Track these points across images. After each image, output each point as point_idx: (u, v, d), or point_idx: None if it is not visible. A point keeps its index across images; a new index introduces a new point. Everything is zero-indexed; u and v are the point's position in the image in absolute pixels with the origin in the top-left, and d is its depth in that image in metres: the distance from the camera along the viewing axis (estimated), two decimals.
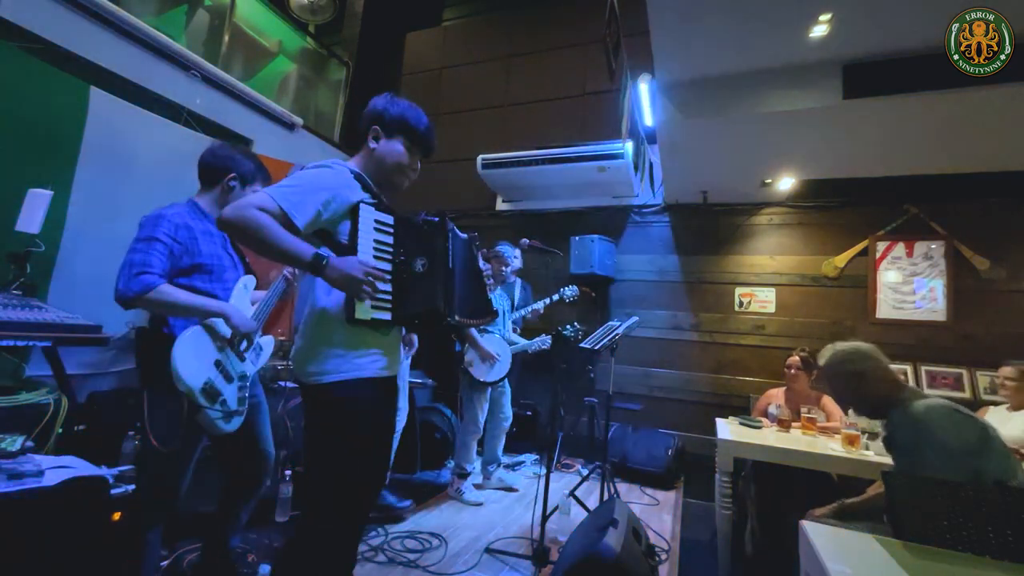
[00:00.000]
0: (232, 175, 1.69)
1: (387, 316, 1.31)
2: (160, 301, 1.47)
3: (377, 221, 1.34)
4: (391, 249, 1.35)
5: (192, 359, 1.49)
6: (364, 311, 1.26)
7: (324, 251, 1.23)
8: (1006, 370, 2.55)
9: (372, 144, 1.42)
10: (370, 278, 1.23)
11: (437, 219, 1.39)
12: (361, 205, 1.30)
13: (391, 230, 1.37)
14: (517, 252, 3.32)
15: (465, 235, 1.54)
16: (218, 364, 1.56)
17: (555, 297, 3.49)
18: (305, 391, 1.35)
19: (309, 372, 1.31)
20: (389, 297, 1.32)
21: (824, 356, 1.81)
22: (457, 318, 1.40)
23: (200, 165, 1.71)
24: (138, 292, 1.45)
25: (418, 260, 1.34)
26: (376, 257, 1.30)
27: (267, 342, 1.85)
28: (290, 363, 1.43)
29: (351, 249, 1.28)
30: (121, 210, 2.81)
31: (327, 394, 1.29)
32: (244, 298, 1.73)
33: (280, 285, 1.85)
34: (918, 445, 1.48)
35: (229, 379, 1.59)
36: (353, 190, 1.32)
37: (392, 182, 1.45)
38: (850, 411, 2.47)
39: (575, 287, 3.52)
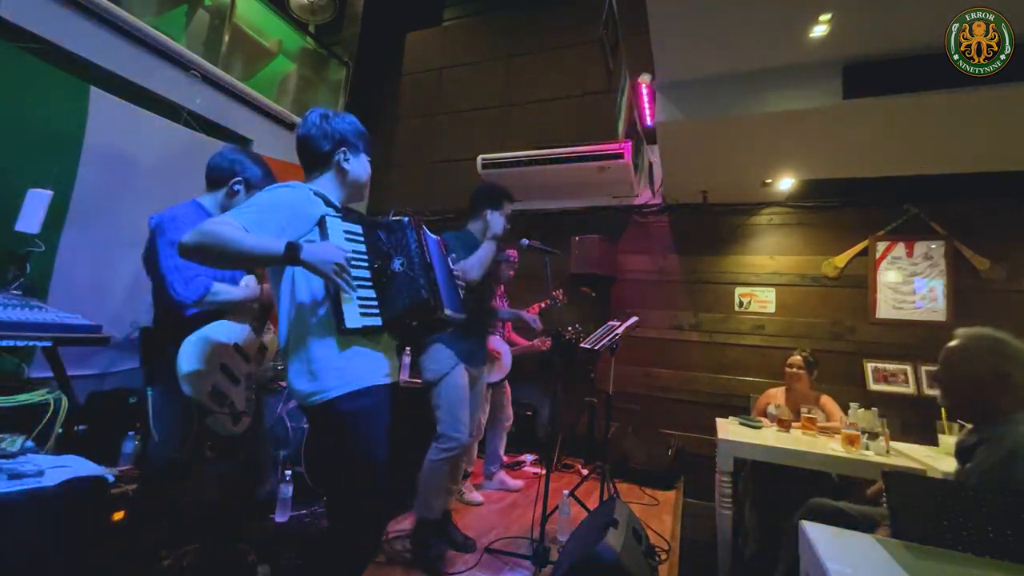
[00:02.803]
0: (237, 179, 1.69)
1: (377, 321, 1.30)
2: (217, 301, 1.54)
3: (346, 231, 1.33)
4: (366, 256, 1.35)
5: (199, 363, 1.50)
6: (355, 318, 1.25)
7: (297, 241, 1.21)
8: None
9: (345, 166, 1.41)
10: (347, 262, 1.22)
11: (407, 218, 1.38)
12: (327, 218, 1.30)
13: (362, 238, 1.36)
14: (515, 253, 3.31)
15: (435, 237, 1.55)
16: (224, 367, 1.56)
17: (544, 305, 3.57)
18: (310, 413, 1.32)
19: (310, 392, 1.27)
20: (375, 302, 1.31)
21: (971, 336, 1.50)
22: (448, 312, 1.40)
23: (208, 166, 1.72)
24: (200, 296, 1.50)
25: (395, 260, 1.33)
26: (352, 266, 1.28)
27: (270, 342, 1.85)
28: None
29: None
30: (121, 210, 2.81)
31: (336, 410, 1.26)
32: None
33: None
34: (1004, 471, 1.28)
35: (236, 381, 1.60)
36: (315, 205, 1.31)
37: (362, 195, 1.47)
38: (850, 411, 2.48)
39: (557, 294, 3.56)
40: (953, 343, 1.53)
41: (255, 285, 1.77)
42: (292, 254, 1.17)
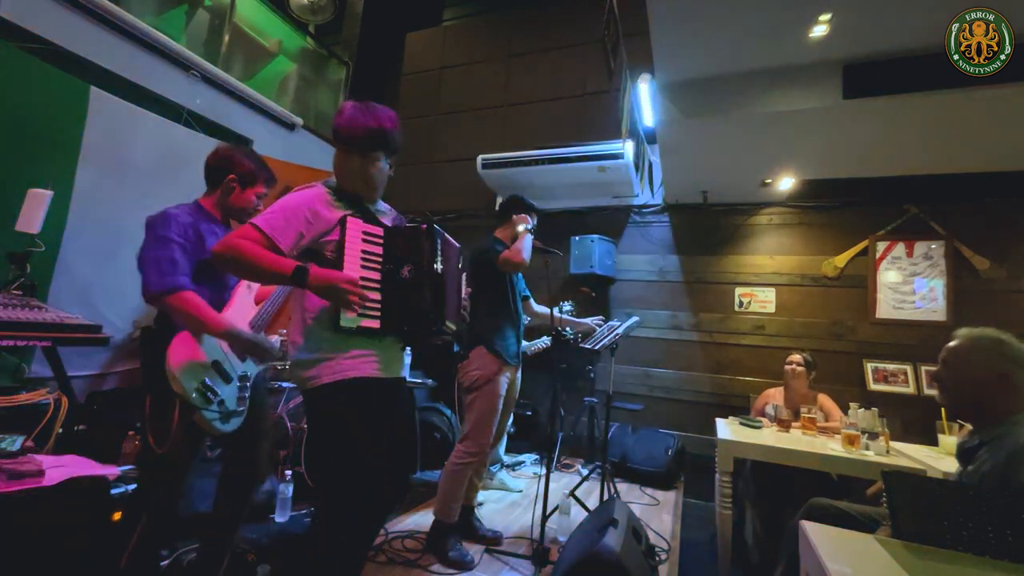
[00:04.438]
0: (231, 176, 1.69)
1: (375, 323, 1.32)
2: (179, 305, 1.46)
3: (365, 232, 1.36)
4: (380, 259, 1.37)
5: (187, 359, 1.49)
6: (350, 319, 1.28)
7: (305, 266, 1.26)
8: None
9: (336, 159, 1.45)
10: (353, 287, 1.24)
11: (424, 225, 1.40)
12: (347, 219, 1.33)
13: (380, 240, 1.38)
14: None
15: (458, 244, 1.56)
16: (216, 365, 1.55)
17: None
18: (305, 397, 1.37)
19: (305, 378, 1.33)
20: (378, 305, 1.33)
21: (972, 336, 1.48)
22: (447, 323, 1.40)
23: (204, 167, 1.72)
24: (170, 288, 1.44)
25: (404, 267, 1.35)
26: (363, 267, 1.32)
27: (271, 342, 1.84)
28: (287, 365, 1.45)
29: (337, 263, 1.31)
30: (121, 210, 2.81)
31: (324, 397, 1.30)
32: (247, 298, 1.73)
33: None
34: (1006, 472, 1.27)
35: (228, 379, 1.59)
36: (335, 206, 1.36)
37: (358, 190, 1.45)
38: (850, 411, 2.48)
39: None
40: (953, 343, 1.52)
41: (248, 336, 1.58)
42: (299, 278, 1.23)
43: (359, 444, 1.29)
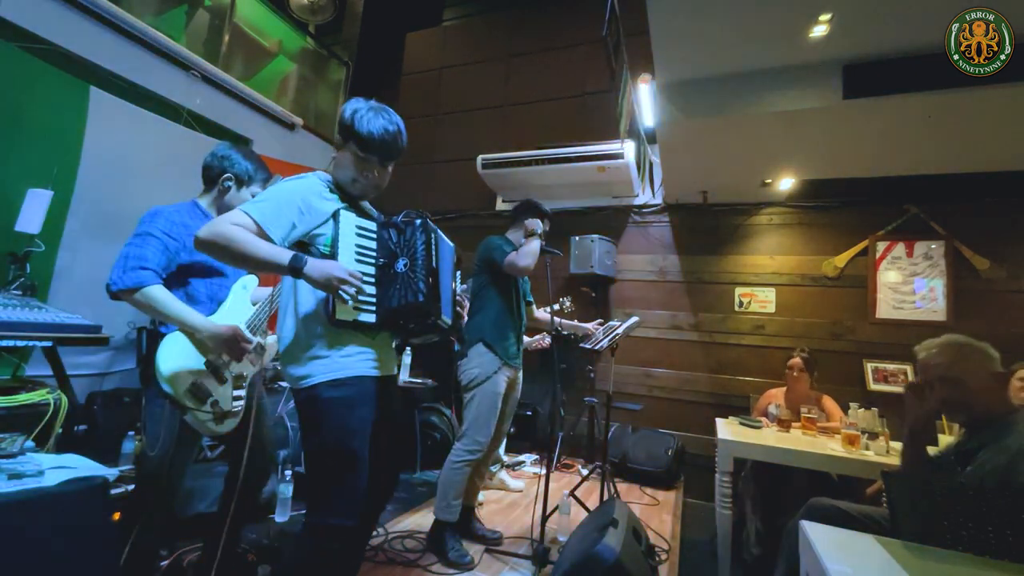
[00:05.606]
0: (227, 176, 1.67)
1: (372, 318, 1.31)
2: (146, 302, 1.43)
3: (359, 227, 1.35)
4: (374, 253, 1.36)
5: (178, 359, 1.48)
6: (346, 312, 1.26)
7: (303, 255, 1.23)
8: None
9: (334, 153, 1.42)
10: (352, 278, 1.23)
11: (419, 220, 1.38)
12: (341, 212, 1.32)
13: (374, 235, 1.38)
14: None
15: (451, 244, 1.55)
16: (209, 364, 1.54)
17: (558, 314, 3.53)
18: (296, 397, 1.34)
19: (296, 377, 1.31)
20: (374, 299, 1.32)
21: (952, 345, 1.52)
22: (444, 318, 1.39)
23: (202, 166, 1.72)
24: (131, 286, 1.42)
25: (400, 260, 1.34)
26: (358, 260, 1.31)
27: (270, 342, 1.84)
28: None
29: (331, 257, 1.29)
30: (121, 210, 2.80)
31: (316, 396, 1.28)
32: (243, 298, 1.72)
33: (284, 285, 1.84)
34: (1006, 473, 1.28)
35: (222, 380, 1.58)
36: (328, 199, 1.34)
37: (365, 193, 1.44)
38: (850, 411, 2.48)
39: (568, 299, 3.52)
40: (942, 358, 1.51)
41: (224, 329, 1.53)
42: (296, 267, 1.19)
43: (355, 443, 1.29)
